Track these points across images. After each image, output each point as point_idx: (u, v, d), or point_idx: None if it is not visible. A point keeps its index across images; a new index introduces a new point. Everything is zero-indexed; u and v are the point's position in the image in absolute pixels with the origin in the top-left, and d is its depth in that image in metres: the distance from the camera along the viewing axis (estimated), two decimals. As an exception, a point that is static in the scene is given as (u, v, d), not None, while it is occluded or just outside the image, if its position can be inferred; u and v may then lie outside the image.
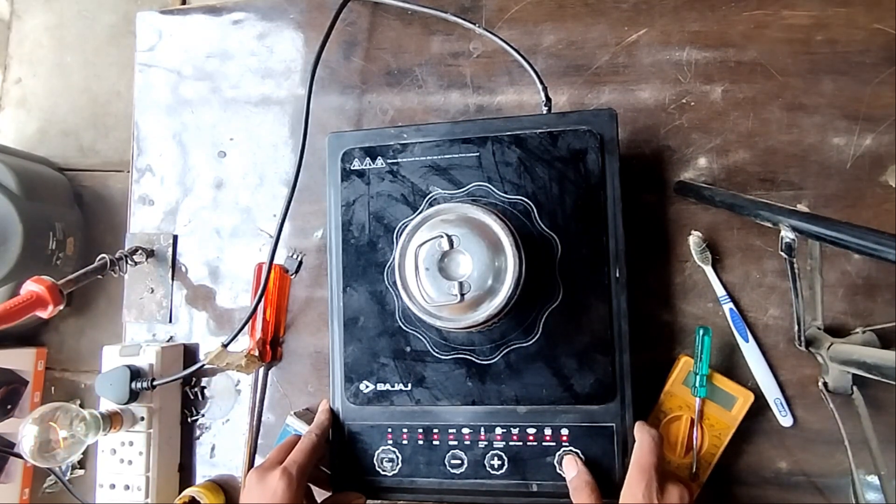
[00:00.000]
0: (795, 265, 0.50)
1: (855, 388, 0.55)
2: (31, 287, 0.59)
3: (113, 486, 0.68)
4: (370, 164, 0.60)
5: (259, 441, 0.69)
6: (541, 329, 0.56)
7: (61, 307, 0.60)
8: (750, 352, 0.60)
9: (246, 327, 0.66)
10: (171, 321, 0.73)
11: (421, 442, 0.57)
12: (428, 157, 0.59)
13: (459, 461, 0.57)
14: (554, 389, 0.55)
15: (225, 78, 0.75)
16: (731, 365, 0.61)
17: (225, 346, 0.65)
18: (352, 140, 0.61)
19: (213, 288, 0.73)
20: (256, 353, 0.67)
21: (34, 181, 1.43)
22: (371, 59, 0.72)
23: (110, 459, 0.68)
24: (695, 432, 0.58)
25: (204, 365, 0.65)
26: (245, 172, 0.74)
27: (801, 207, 0.60)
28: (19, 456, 0.61)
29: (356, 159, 0.61)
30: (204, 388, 0.72)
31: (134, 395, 0.66)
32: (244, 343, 0.69)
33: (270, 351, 0.68)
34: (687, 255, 0.63)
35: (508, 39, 0.65)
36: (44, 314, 0.59)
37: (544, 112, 0.61)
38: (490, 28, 0.68)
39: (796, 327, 0.56)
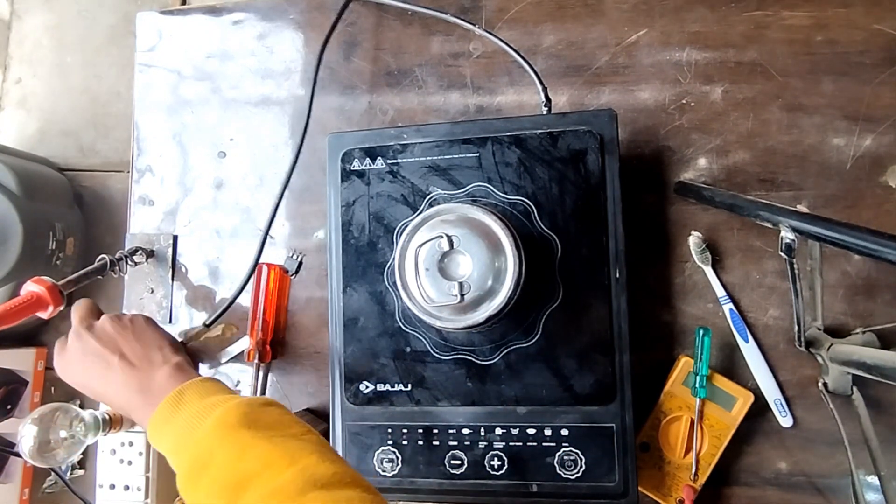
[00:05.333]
0: (795, 265, 0.50)
1: (855, 388, 0.55)
2: (31, 287, 0.59)
3: (113, 487, 0.68)
4: (370, 165, 0.60)
5: (259, 441, 0.69)
6: (541, 329, 0.56)
7: (61, 308, 0.60)
8: (750, 352, 0.60)
9: (246, 327, 0.66)
10: (171, 321, 0.73)
11: (421, 442, 0.57)
12: (428, 158, 0.59)
13: (459, 461, 0.57)
14: (554, 390, 0.55)
15: (225, 78, 0.75)
16: (731, 365, 0.61)
17: (207, 325, 0.65)
18: (352, 140, 0.61)
19: (213, 288, 0.73)
20: (256, 354, 0.67)
21: (34, 181, 1.43)
22: (371, 59, 0.72)
23: (110, 460, 0.68)
24: (695, 433, 0.58)
25: (185, 343, 0.63)
26: (245, 173, 0.74)
27: (801, 208, 0.60)
28: (19, 456, 0.61)
29: (356, 160, 0.61)
30: (204, 388, 0.72)
31: None
32: (244, 343, 0.69)
33: (270, 351, 0.68)
34: (687, 256, 0.63)
35: (508, 40, 0.65)
36: (44, 315, 0.59)
37: (544, 112, 0.61)
38: (490, 28, 0.68)
39: (796, 328, 0.56)
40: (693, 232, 0.62)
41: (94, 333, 0.53)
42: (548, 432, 0.55)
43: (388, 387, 0.58)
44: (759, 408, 0.59)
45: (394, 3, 0.70)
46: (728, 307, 0.61)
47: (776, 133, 0.62)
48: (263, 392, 0.70)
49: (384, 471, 0.58)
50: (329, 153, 0.62)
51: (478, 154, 0.58)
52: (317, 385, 0.69)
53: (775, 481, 0.60)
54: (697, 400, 0.58)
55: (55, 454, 0.62)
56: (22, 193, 1.35)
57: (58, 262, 1.42)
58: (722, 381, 0.59)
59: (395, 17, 0.72)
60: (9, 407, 1.45)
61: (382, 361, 0.58)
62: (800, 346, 0.58)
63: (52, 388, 1.54)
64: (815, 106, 0.62)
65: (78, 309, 0.57)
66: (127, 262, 0.70)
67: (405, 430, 0.58)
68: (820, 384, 0.57)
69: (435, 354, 0.57)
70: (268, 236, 0.66)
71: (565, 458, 0.55)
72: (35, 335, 1.56)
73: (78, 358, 0.53)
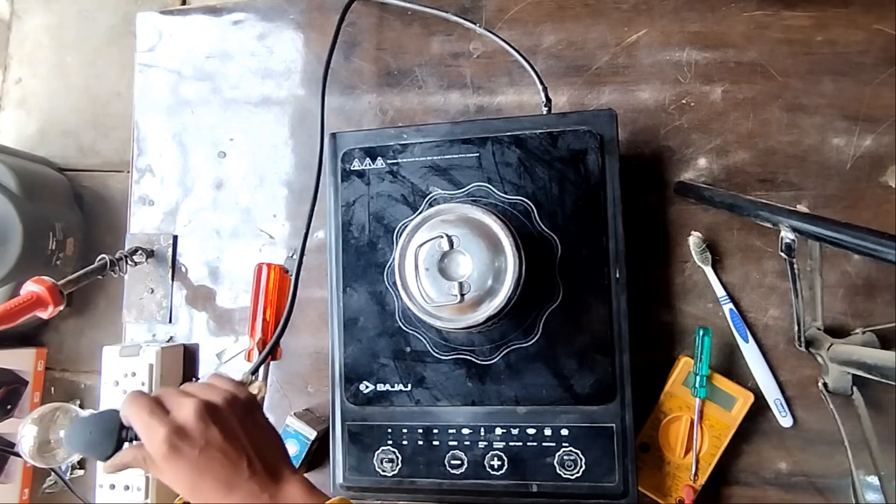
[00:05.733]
0: (795, 265, 0.50)
1: (855, 388, 0.55)
2: (31, 287, 0.59)
3: (113, 487, 0.68)
4: (370, 165, 0.60)
5: (259, 441, 0.69)
6: (541, 329, 0.56)
7: (61, 307, 0.60)
8: (750, 352, 0.60)
9: (245, 327, 0.66)
10: (170, 321, 0.73)
11: (421, 442, 0.57)
12: (428, 158, 0.59)
13: (459, 461, 0.57)
14: (554, 390, 0.55)
15: (225, 78, 0.75)
16: (731, 365, 0.61)
17: (253, 373, 0.58)
18: (352, 140, 0.61)
19: (213, 288, 0.73)
20: (256, 354, 0.67)
21: (34, 181, 1.43)
22: (371, 59, 0.72)
23: (110, 460, 0.68)
24: (695, 433, 0.58)
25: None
26: (245, 173, 0.74)
27: (801, 208, 0.60)
28: (19, 456, 0.61)
29: (356, 159, 0.61)
30: (204, 388, 0.72)
31: (120, 445, 0.47)
32: (244, 343, 0.69)
33: (270, 351, 0.68)
34: (687, 256, 0.63)
35: (508, 40, 0.65)
36: (44, 314, 0.59)
37: (544, 112, 0.61)
38: (490, 28, 0.68)
39: (796, 328, 0.56)
40: (693, 232, 0.62)
41: (220, 424, 0.44)
42: (548, 432, 0.55)
43: (388, 387, 0.58)
44: (759, 408, 0.59)
45: (394, 3, 0.70)
46: (728, 307, 0.61)
47: (776, 133, 0.62)
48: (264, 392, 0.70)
49: (384, 471, 0.58)
50: (329, 153, 0.62)
51: (478, 154, 0.58)
52: (317, 385, 0.69)
53: (775, 481, 0.60)
54: (697, 400, 0.58)
55: (55, 454, 0.62)
56: (22, 193, 1.35)
57: (58, 262, 1.42)
58: (722, 381, 0.59)
59: (395, 17, 0.72)
60: (9, 407, 1.45)
61: (382, 361, 0.58)
62: (800, 346, 0.58)
63: (52, 388, 1.54)
64: (815, 106, 0.62)
65: (222, 386, 0.48)
66: (127, 262, 0.70)
67: (405, 430, 0.58)
68: (820, 384, 0.57)
69: (435, 354, 0.57)
70: (300, 254, 0.62)
71: (565, 458, 0.55)
72: (35, 335, 1.56)
73: (199, 450, 0.43)
